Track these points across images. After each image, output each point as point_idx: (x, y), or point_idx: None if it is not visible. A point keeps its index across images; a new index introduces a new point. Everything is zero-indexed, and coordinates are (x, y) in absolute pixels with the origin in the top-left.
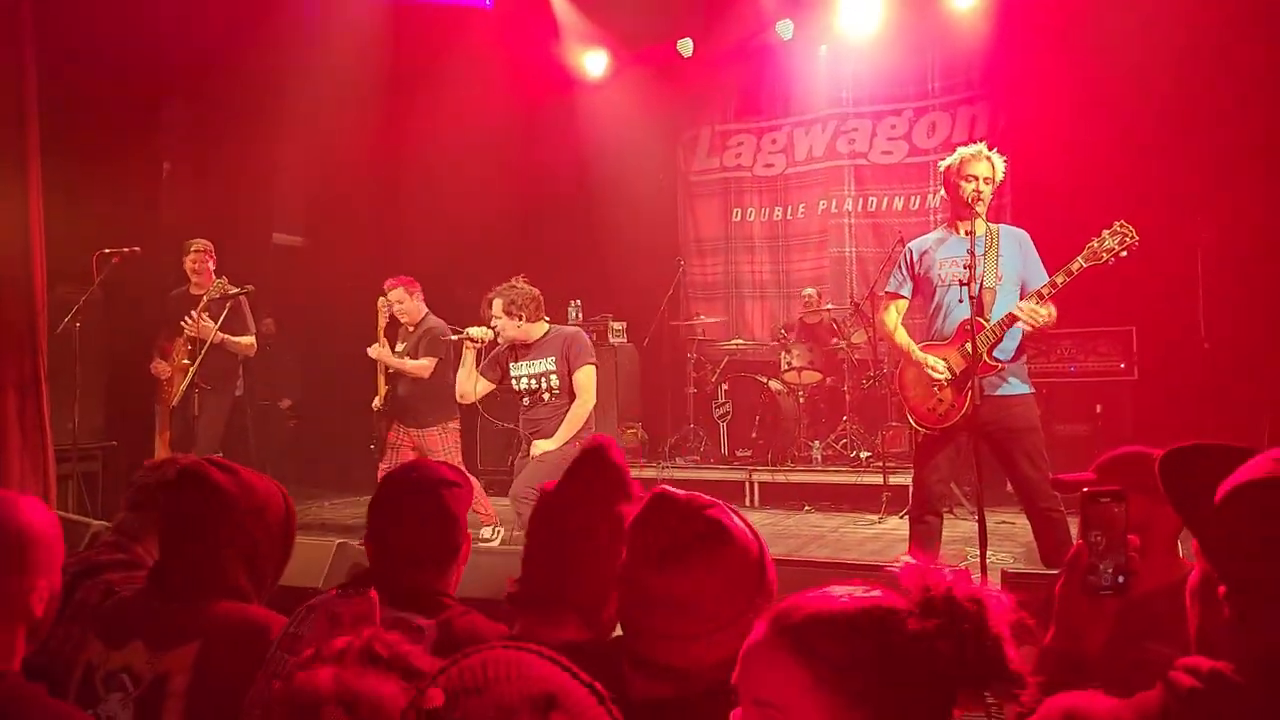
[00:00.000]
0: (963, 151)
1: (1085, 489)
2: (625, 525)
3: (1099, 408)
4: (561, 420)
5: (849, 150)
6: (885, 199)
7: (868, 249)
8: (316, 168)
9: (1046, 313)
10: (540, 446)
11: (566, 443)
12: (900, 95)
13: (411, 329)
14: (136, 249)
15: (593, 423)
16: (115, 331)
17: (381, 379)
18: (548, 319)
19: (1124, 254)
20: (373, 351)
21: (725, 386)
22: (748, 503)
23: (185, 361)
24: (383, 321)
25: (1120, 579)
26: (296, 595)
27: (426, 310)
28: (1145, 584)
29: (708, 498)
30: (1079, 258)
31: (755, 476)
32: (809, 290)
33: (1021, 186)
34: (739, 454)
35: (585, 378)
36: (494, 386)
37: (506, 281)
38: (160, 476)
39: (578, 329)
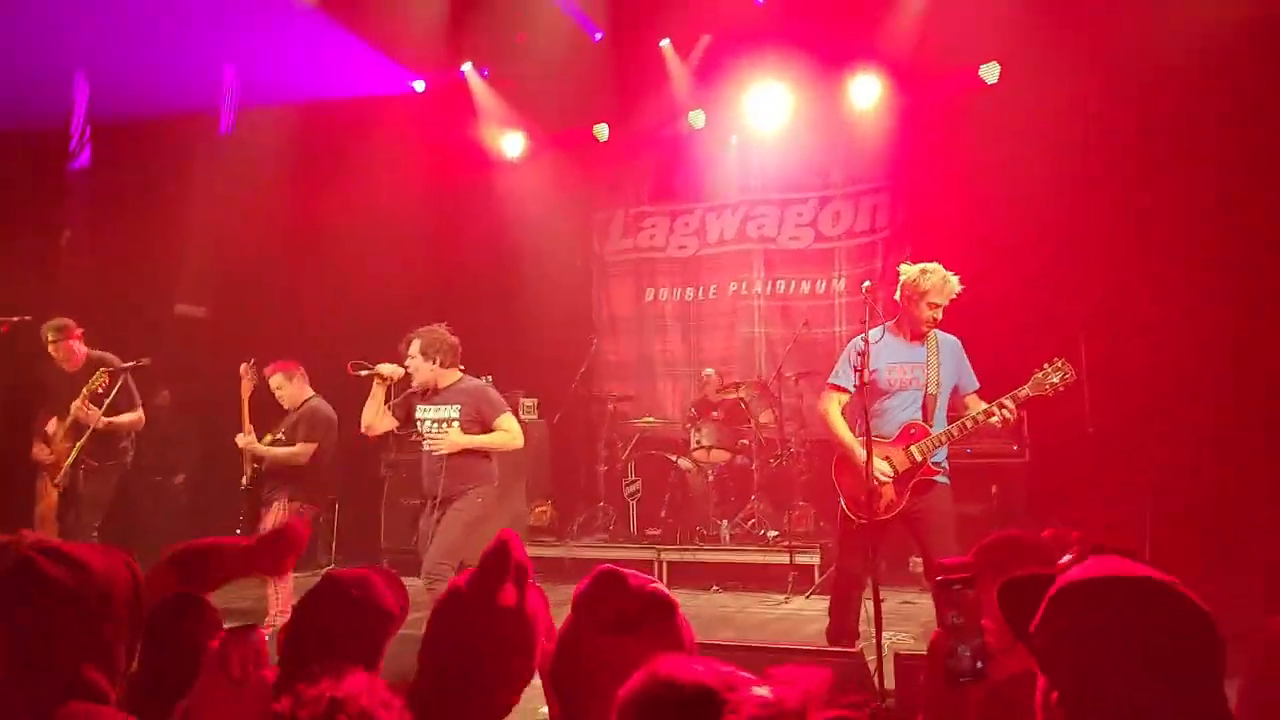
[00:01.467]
0: (930, 278)
1: (938, 577)
2: (528, 625)
3: (994, 488)
4: (459, 474)
5: (758, 234)
6: (793, 283)
7: (775, 330)
8: (226, 239)
9: (1007, 415)
10: (451, 436)
11: (473, 495)
12: (805, 184)
13: (292, 411)
14: (28, 317)
15: (496, 476)
16: (4, 400)
17: (248, 458)
18: (461, 369)
19: (1063, 389)
20: (241, 441)
21: (635, 464)
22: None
23: (65, 445)
24: (246, 407)
25: (978, 664)
26: None
27: (310, 392)
28: (1012, 667)
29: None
30: (1025, 387)
31: (664, 555)
32: (708, 370)
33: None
34: (648, 532)
35: (508, 422)
36: (397, 425)
37: (427, 325)
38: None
39: (485, 383)
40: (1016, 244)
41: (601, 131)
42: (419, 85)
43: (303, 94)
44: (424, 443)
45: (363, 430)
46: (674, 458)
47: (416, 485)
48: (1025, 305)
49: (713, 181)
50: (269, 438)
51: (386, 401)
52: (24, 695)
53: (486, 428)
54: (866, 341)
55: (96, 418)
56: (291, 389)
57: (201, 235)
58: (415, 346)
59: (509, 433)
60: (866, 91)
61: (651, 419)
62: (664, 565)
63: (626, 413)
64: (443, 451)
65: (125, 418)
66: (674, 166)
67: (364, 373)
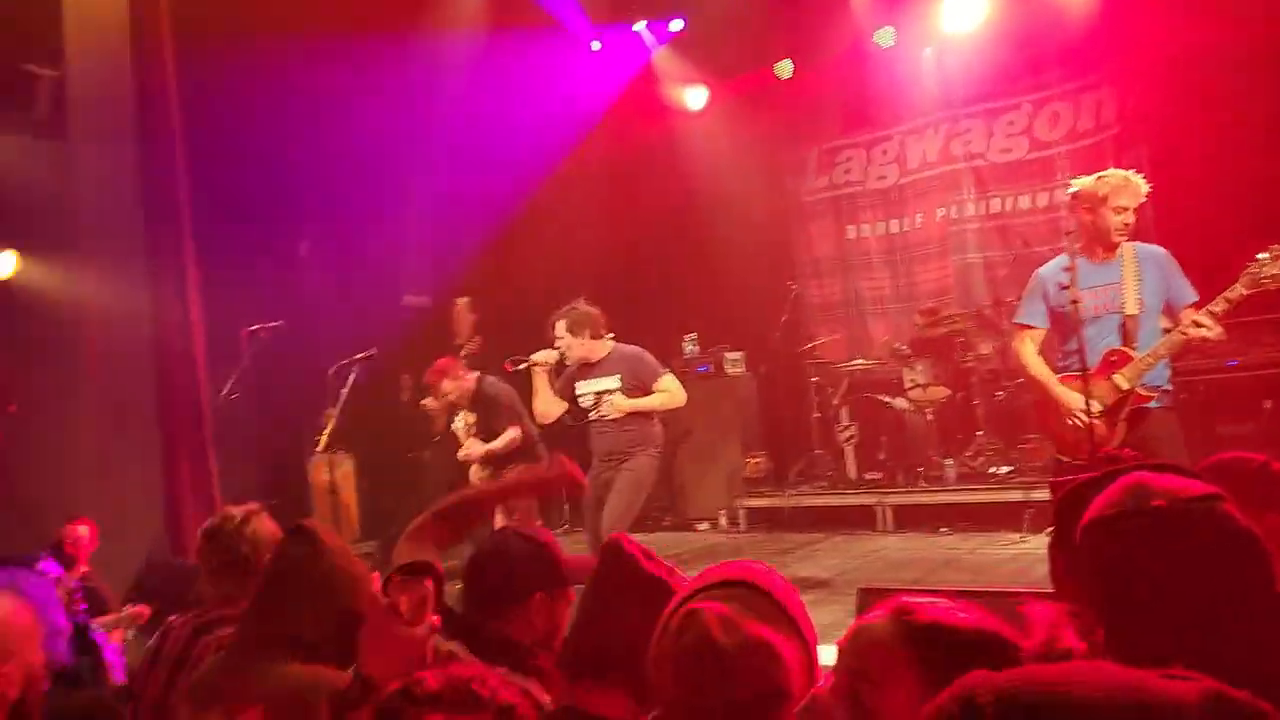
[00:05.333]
0: (1109, 179)
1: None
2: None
3: (1268, 404)
4: (630, 435)
5: (965, 152)
6: (1009, 199)
7: (993, 253)
8: (439, 229)
9: (1217, 331)
10: (615, 402)
11: (642, 455)
12: (1015, 88)
13: (468, 403)
14: (281, 322)
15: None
16: (268, 399)
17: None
18: (611, 337)
19: None
20: (462, 454)
21: (848, 409)
22: (880, 527)
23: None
24: (442, 419)
25: None
26: None
27: (473, 378)
28: None
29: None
30: (1239, 284)
31: (886, 500)
32: (926, 305)
33: (1157, 180)
34: (868, 477)
35: (669, 382)
36: (567, 407)
37: (568, 304)
38: (231, 533)
39: (639, 349)
40: (1266, 135)
41: (784, 69)
42: (595, 45)
43: (476, 60)
44: (590, 415)
45: (539, 420)
46: (888, 399)
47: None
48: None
49: (909, 102)
50: (470, 441)
51: (551, 385)
52: (298, 645)
53: (647, 391)
54: (1072, 261)
55: (476, 454)
56: (459, 387)
57: (418, 227)
58: (561, 326)
59: (670, 392)
60: None
61: (862, 361)
62: (887, 510)
63: (835, 356)
64: (610, 418)
65: (504, 439)
66: (865, 93)
67: (522, 366)
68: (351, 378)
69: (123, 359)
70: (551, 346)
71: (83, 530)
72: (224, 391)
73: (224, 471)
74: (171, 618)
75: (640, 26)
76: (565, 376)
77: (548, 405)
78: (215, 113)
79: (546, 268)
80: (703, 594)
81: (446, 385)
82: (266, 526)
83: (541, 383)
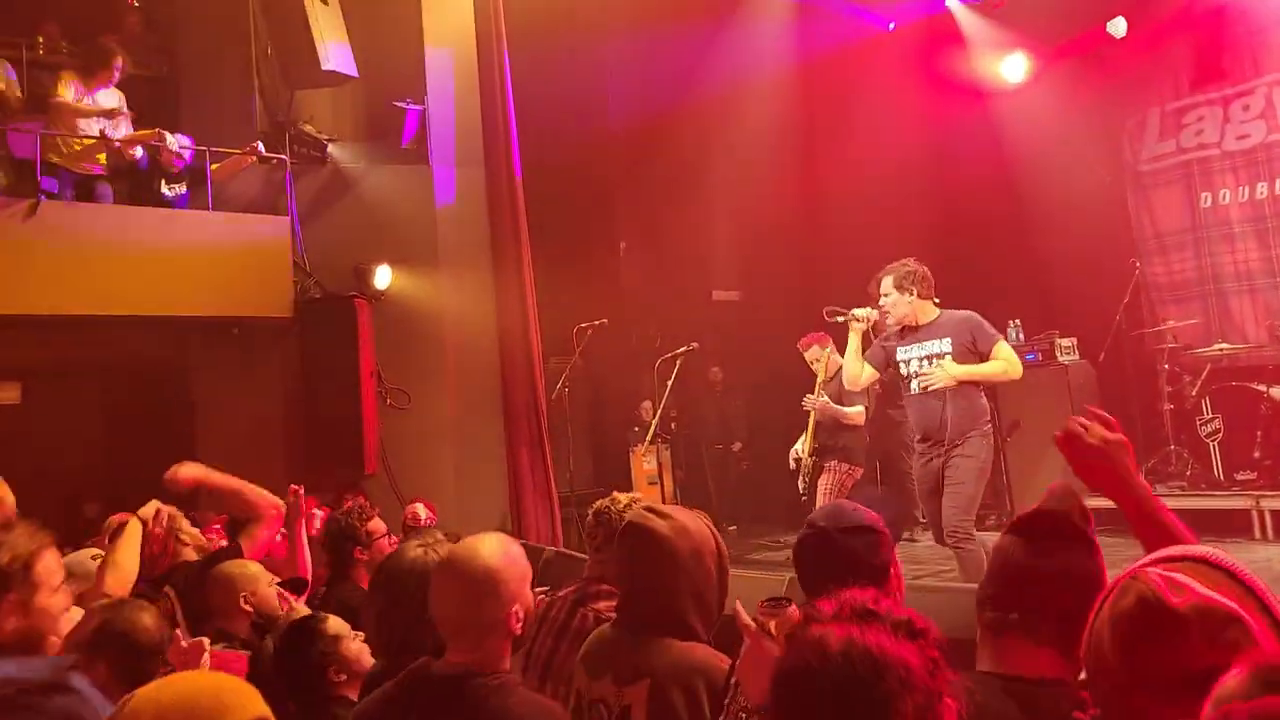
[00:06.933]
0: None
1: None
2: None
3: None
4: (960, 411)
5: None
6: None
7: None
8: (748, 225)
9: None
10: (945, 369)
11: (977, 437)
12: None
13: (828, 378)
14: (604, 320)
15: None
16: (595, 392)
17: (811, 427)
18: (938, 301)
19: None
20: (808, 402)
21: (1209, 399)
22: (1257, 534)
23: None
24: (821, 374)
25: None
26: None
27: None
28: None
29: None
30: None
31: (1264, 503)
32: None
33: None
34: (1239, 477)
35: (1006, 350)
36: (878, 375)
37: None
38: (615, 515)
39: (973, 312)
40: None
41: (1118, 26)
42: (890, 26)
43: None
44: (912, 383)
45: (847, 386)
46: (1264, 387)
47: None
48: None
49: (1277, 47)
50: (820, 395)
51: (863, 350)
52: (672, 625)
53: (983, 358)
54: None
55: (817, 404)
56: (827, 358)
57: (727, 225)
58: (888, 282)
59: (1009, 360)
60: None
61: (1225, 345)
62: (1265, 515)
63: (1191, 340)
64: (940, 385)
65: (851, 410)
66: (1219, 43)
67: (840, 318)
68: (675, 370)
69: (473, 357)
70: (873, 306)
71: (421, 509)
72: (558, 385)
73: (557, 460)
74: (558, 591)
75: (952, 1)
76: (876, 344)
77: (860, 368)
78: (542, 131)
79: (859, 259)
80: (1149, 567)
81: (813, 352)
82: None
83: (855, 342)
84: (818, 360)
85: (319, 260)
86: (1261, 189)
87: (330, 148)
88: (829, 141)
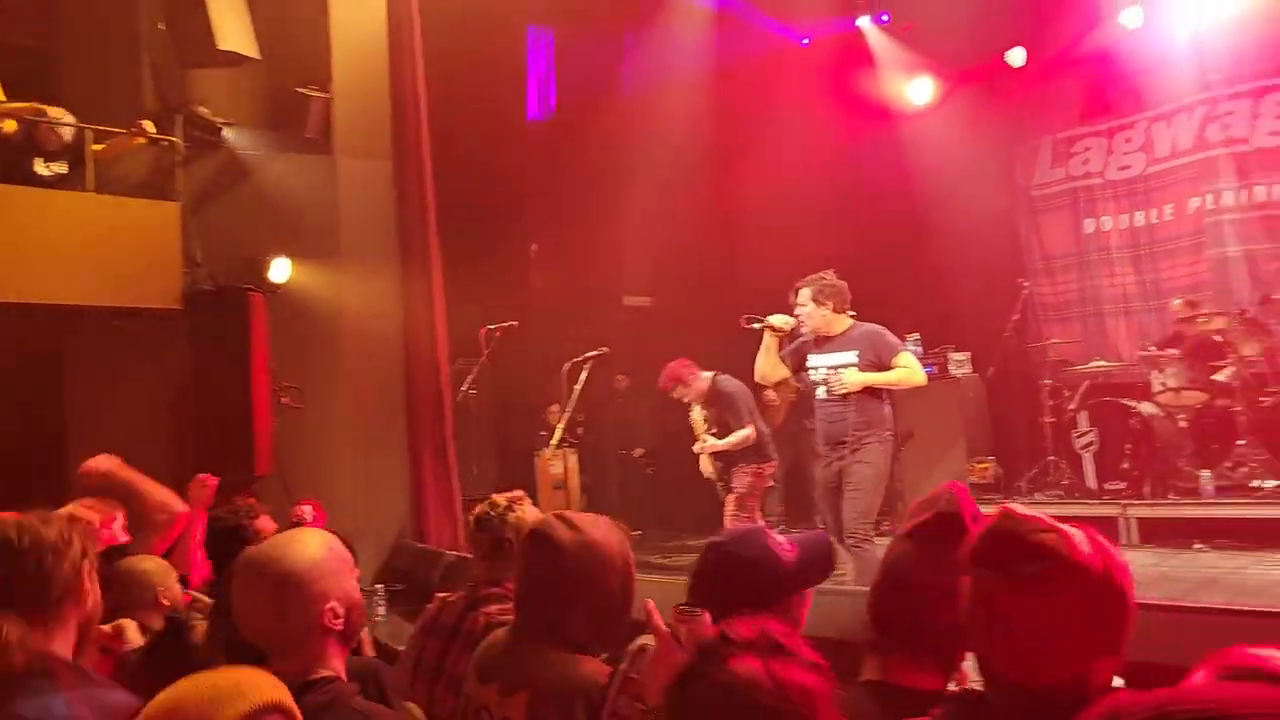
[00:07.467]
0: None
1: None
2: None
3: None
4: (861, 418)
5: (1224, 136)
6: (1277, 187)
7: (1258, 246)
8: (661, 231)
9: None
10: (848, 376)
11: (876, 444)
12: None
13: (703, 402)
14: (514, 322)
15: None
16: (502, 395)
17: (708, 460)
18: (852, 314)
19: None
20: (697, 448)
21: (1086, 413)
22: (1124, 540)
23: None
24: (697, 412)
25: None
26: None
27: (707, 377)
28: None
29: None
30: None
31: (1131, 511)
32: (1176, 301)
33: None
34: (1109, 487)
35: (908, 359)
36: (789, 375)
37: (816, 274)
38: (496, 519)
39: (881, 326)
40: None
41: (1016, 57)
42: (804, 41)
43: (696, 63)
44: (819, 390)
45: (757, 380)
46: (1134, 403)
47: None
48: None
49: (1157, 86)
50: (705, 437)
51: (779, 351)
52: (561, 639)
53: (885, 369)
54: None
55: (708, 449)
56: (693, 389)
57: (639, 230)
58: (805, 294)
59: (910, 369)
60: None
61: (1102, 362)
62: (1132, 522)
63: (1071, 358)
64: (845, 391)
65: (736, 437)
66: (1106, 78)
67: (756, 325)
68: (583, 375)
69: (376, 357)
70: (790, 314)
71: (307, 511)
72: (463, 387)
73: (461, 463)
74: (445, 594)
75: (863, 21)
76: (796, 346)
77: (771, 368)
78: (455, 126)
79: (769, 268)
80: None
81: (678, 391)
82: (530, 513)
83: (770, 343)
84: (684, 396)
85: (212, 250)
86: (1139, 217)
87: (226, 132)
88: (742, 151)
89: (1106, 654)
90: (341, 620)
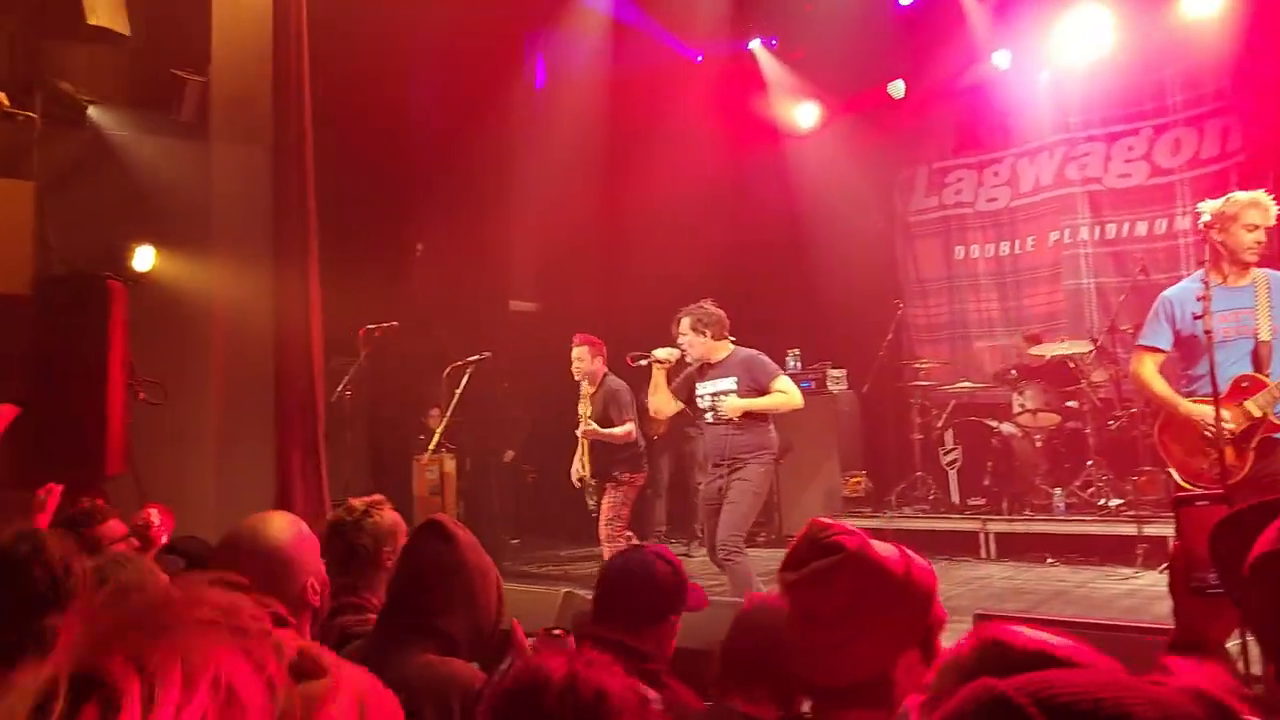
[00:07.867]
0: (1237, 199)
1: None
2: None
3: None
4: (744, 440)
5: (1081, 175)
6: (1126, 225)
7: (1107, 279)
8: (549, 237)
9: None
10: (728, 403)
11: (756, 464)
12: (1136, 114)
13: (593, 390)
14: (395, 323)
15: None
16: (380, 397)
17: (586, 448)
18: (732, 340)
19: None
20: (579, 431)
21: (952, 431)
22: (983, 554)
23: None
24: (586, 404)
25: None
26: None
27: (605, 370)
28: None
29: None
30: None
31: (990, 526)
32: (1030, 330)
33: None
34: (971, 502)
35: (785, 383)
36: (682, 406)
37: (695, 304)
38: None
39: (756, 351)
40: None
41: (897, 89)
42: (698, 59)
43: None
44: (707, 415)
45: (652, 415)
46: (995, 423)
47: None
48: None
49: (1023, 125)
50: (585, 425)
51: (669, 383)
52: (437, 638)
53: (764, 393)
54: (1207, 290)
55: (589, 433)
56: (590, 364)
57: (527, 235)
58: (685, 324)
59: (787, 393)
60: None
61: (968, 383)
62: (990, 537)
63: (940, 378)
64: (725, 416)
65: (619, 429)
66: (978, 114)
67: (642, 362)
68: (465, 380)
69: (246, 352)
70: (673, 345)
71: (153, 514)
72: (339, 387)
73: (332, 466)
74: None
75: (755, 44)
76: (685, 377)
77: (664, 402)
78: (341, 119)
79: (652, 279)
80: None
81: (580, 358)
82: (388, 519)
83: (660, 379)
84: (580, 360)
85: (70, 234)
86: (1004, 247)
87: (92, 111)
88: (631, 162)
89: (908, 649)
90: (318, 596)
